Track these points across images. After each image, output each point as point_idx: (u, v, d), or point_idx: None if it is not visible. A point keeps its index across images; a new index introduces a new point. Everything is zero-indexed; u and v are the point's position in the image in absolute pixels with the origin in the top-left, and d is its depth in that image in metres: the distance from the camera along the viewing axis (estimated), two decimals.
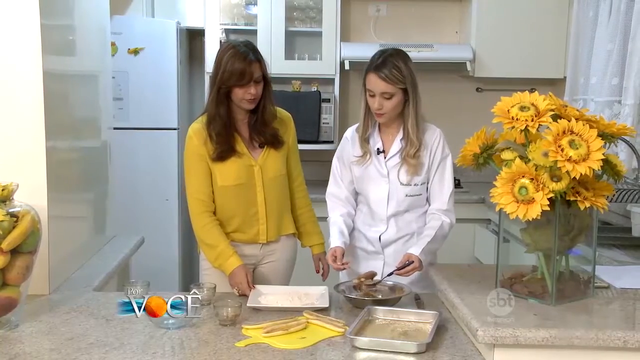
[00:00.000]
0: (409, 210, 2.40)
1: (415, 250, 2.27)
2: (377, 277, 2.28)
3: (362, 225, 2.45)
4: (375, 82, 2.27)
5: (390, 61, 2.27)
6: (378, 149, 2.39)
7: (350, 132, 2.47)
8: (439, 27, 4.56)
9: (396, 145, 2.37)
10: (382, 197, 2.39)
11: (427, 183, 2.40)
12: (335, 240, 2.35)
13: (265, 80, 2.41)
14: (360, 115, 2.40)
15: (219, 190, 2.45)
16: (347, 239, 2.39)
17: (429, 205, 2.43)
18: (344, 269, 2.30)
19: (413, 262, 2.22)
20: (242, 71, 2.32)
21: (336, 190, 2.48)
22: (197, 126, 2.45)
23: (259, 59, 2.37)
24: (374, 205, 2.41)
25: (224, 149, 2.40)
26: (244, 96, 2.35)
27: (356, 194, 2.49)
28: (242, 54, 2.33)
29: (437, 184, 2.39)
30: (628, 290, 1.99)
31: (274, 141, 2.48)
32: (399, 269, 2.21)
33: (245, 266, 2.36)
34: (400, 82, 2.27)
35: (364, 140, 2.39)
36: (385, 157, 2.39)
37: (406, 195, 2.38)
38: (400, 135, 2.38)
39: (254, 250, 2.52)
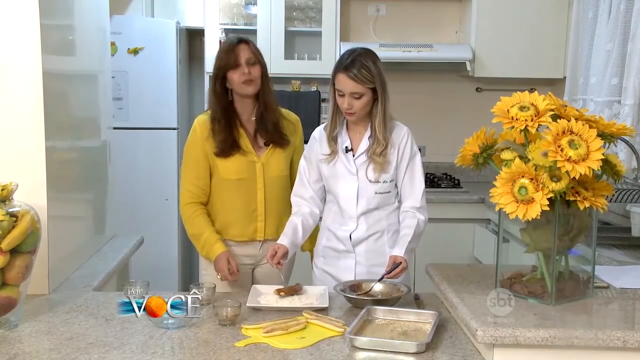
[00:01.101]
0: (379, 208, 2.40)
1: (399, 251, 2.28)
2: (351, 277, 2.34)
3: (332, 224, 2.44)
4: (345, 82, 2.27)
5: (359, 61, 2.27)
6: (346, 147, 2.39)
7: (318, 132, 2.47)
8: (438, 27, 4.56)
9: (364, 143, 2.38)
10: (351, 195, 2.38)
11: (396, 181, 2.41)
12: (283, 237, 2.35)
13: (262, 67, 2.45)
14: (329, 114, 2.40)
15: (221, 183, 2.46)
16: (298, 239, 2.39)
17: (399, 203, 2.43)
18: (278, 268, 2.29)
19: (401, 263, 2.23)
20: (228, 53, 2.39)
21: (301, 190, 2.47)
22: (204, 118, 2.49)
23: (247, 42, 2.43)
24: (344, 203, 2.40)
25: (226, 144, 2.42)
26: (240, 78, 2.38)
27: (322, 194, 2.48)
28: (229, 41, 2.43)
29: (408, 182, 2.40)
30: (627, 290, 1.99)
31: (279, 138, 2.49)
32: (388, 272, 2.21)
33: (228, 252, 2.42)
34: (369, 81, 2.27)
35: (332, 139, 2.39)
36: (353, 155, 2.39)
37: (375, 193, 2.38)
38: (368, 133, 2.38)
39: (252, 250, 2.53)
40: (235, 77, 2.39)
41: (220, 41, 4.22)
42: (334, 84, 2.32)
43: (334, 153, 2.39)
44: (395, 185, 2.41)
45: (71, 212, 2.56)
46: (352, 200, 2.38)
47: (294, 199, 2.48)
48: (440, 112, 4.60)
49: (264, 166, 2.48)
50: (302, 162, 2.48)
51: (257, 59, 2.43)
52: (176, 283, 4.27)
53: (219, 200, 2.49)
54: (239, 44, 2.41)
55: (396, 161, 2.37)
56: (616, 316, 1.84)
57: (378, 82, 2.28)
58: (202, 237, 2.44)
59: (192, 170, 2.48)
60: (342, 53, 2.37)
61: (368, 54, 2.32)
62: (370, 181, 2.36)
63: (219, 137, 2.43)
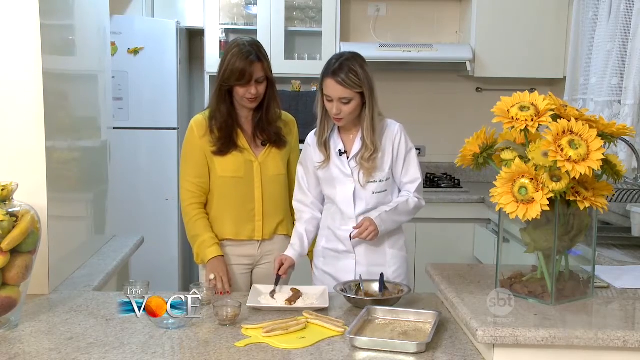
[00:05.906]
0: (377, 208, 2.40)
1: (373, 214, 2.33)
2: (351, 278, 2.32)
3: (332, 225, 2.45)
4: (333, 88, 2.27)
5: (346, 65, 2.27)
6: (340, 150, 2.39)
7: (311, 137, 2.47)
8: (439, 27, 4.57)
9: (357, 144, 2.38)
10: (348, 197, 2.39)
11: (394, 177, 2.41)
12: (290, 249, 2.39)
13: (270, 81, 2.42)
14: (318, 120, 2.40)
15: (218, 181, 2.47)
16: (305, 250, 2.44)
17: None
18: (282, 277, 2.31)
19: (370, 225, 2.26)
20: (242, 71, 2.34)
21: (301, 196, 2.49)
22: (199, 118, 2.49)
23: (261, 59, 2.39)
24: (342, 205, 2.40)
25: (224, 143, 2.43)
26: (245, 95, 2.38)
27: (323, 197, 2.49)
28: (244, 53, 2.36)
29: (406, 176, 2.41)
30: (628, 290, 1.99)
31: (277, 139, 2.50)
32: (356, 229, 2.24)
33: (224, 259, 2.41)
34: (357, 86, 2.27)
35: (323, 145, 2.39)
36: (347, 158, 2.39)
37: (373, 193, 2.38)
38: (360, 134, 2.38)
39: (251, 251, 2.53)
40: (241, 92, 2.39)
41: (220, 41, 4.22)
42: (322, 89, 2.32)
43: (327, 159, 2.39)
44: (394, 181, 2.41)
45: (71, 212, 2.56)
46: (350, 202, 2.39)
47: (295, 204, 2.50)
48: (440, 112, 4.60)
49: (262, 165, 2.48)
50: (300, 169, 2.49)
51: (266, 76, 2.41)
52: (176, 283, 4.27)
53: (217, 199, 2.49)
54: (253, 63, 2.35)
55: (392, 158, 2.37)
56: (616, 316, 1.84)
57: (366, 86, 2.28)
58: (200, 238, 2.44)
59: (191, 170, 2.49)
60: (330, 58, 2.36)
61: (356, 58, 2.31)
62: (366, 181, 2.37)
63: (216, 136, 2.43)
